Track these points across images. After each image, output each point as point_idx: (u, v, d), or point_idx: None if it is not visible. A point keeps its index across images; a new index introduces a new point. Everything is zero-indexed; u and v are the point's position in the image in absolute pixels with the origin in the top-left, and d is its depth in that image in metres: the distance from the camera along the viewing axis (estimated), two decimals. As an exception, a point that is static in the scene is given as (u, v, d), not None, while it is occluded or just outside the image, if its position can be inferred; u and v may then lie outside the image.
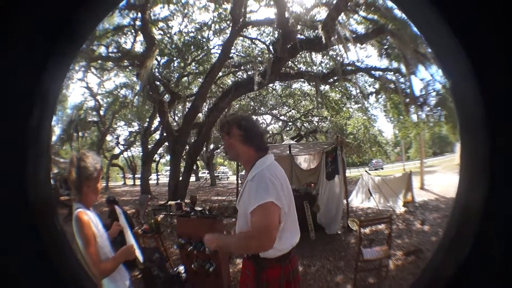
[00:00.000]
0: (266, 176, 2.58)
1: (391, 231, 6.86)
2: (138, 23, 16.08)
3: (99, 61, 20.25)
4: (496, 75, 1.02)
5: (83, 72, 22.75)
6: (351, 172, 25.81)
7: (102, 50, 18.86)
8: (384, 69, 16.20)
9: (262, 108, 27.44)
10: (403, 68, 14.66)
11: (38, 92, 1.06)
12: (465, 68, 1.07)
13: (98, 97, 29.87)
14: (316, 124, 30.91)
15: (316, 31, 12.82)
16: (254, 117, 22.39)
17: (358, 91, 19.79)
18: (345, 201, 11.29)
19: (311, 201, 10.05)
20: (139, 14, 15.33)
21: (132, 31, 17.40)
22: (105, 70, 23.02)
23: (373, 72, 16.79)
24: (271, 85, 19.84)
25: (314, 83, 18.21)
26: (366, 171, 17.73)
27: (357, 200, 16.19)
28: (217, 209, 6.79)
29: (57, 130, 32.69)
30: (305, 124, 31.98)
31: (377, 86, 18.44)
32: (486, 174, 1.06)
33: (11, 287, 1.02)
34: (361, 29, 14.28)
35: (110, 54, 18.53)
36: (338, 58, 15.73)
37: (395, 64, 15.21)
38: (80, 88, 42.97)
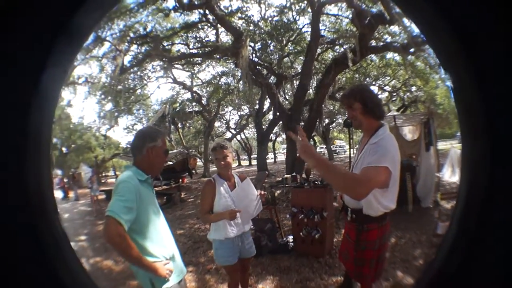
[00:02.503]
0: (390, 143, 2.94)
1: None
2: (211, 17, 16.19)
3: (183, 60, 20.85)
4: (498, 78, 1.00)
5: (164, 70, 23.74)
6: (446, 144, 24.76)
7: (181, 47, 19.49)
8: None
9: (367, 79, 26.81)
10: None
11: (37, 91, 1.04)
12: (467, 71, 1.06)
13: (195, 89, 30.36)
14: (415, 94, 30.01)
15: (378, 7, 12.76)
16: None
17: (433, 61, 19.08)
18: (437, 174, 11.11)
19: (412, 173, 10.03)
20: (207, 11, 15.54)
21: (207, 25, 17.64)
22: (194, 64, 23.59)
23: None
24: (368, 57, 19.32)
25: (395, 54, 18.14)
26: (451, 144, 17.39)
27: (447, 174, 15.78)
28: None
29: (141, 127, 33.60)
30: (407, 94, 31.05)
31: None
32: (487, 173, 1.06)
33: None
34: None
35: (193, 51, 19.02)
36: (407, 29, 15.38)
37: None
38: (166, 85, 44.09)
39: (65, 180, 28.61)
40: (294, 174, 9.22)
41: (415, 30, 14.16)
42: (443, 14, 1.05)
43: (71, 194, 25.65)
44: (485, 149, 1.05)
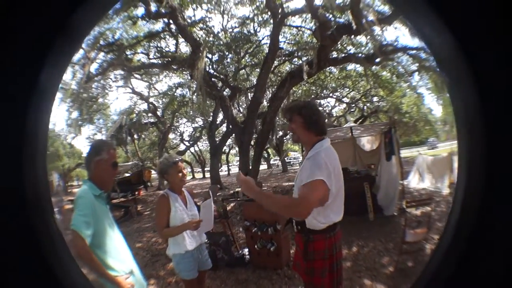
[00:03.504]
0: (322, 157, 2.95)
1: (431, 214, 7.05)
2: (173, 27, 16.08)
3: (142, 70, 20.80)
4: (494, 77, 1.01)
5: (124, 80, 23.48)
6: (412, 152, 25.14)
7: (142, 57, 19.44)
8: (416, 48, 15.63)
9: (324, 91, 27.28)
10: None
11: (35, 91, 1.05)
12: (463, 69, 1.06)
13: (151, 100, 30.32)
14: (377, 104, 30.42)
15: (346, 17, 12.74)
16: (316, 101, 21.89)
17: (402, 70, 19.35)
18: (401, 182, 11.19)
19: (371, 183, 10.22)
20: (171, 21, 15.37)
21: (169, 34, 17.60)
22: (152, 74, 23.60)
23: (409, 51, 16.19)
24: (327, 68, 19.49)
25: (358, 65, 18.37)
26: (418, 151, 17.74)
27: (414, 181, 16.10)
28: (280, 192, 7.30)
29: (100, 137, 33.93)
30: (367, 105, 31.52)
31: (417, 64, 17.81)
32: (484, 173, 1.07)
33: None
34: (387, 9, 13.62)
35: (152, 61, 19.02)
36: (377, 38, 15.23)
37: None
38: (124, 94, 43.61)
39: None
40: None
41: (387, 38, 14.28)
42: (442, 15, 1.05)
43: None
44: (482, 151, 1.07)
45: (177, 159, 4.26)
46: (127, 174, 20.75)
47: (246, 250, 7.44)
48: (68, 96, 24.90)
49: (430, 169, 14.92)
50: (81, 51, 16.74)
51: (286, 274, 6.44)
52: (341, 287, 3.48)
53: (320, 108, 3.45)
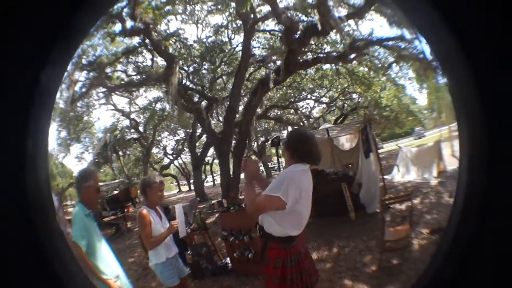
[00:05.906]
0: (287, 177, 3.29)
1: (412, 210, 6.90)
2: (148, 41, 15.89)
3: (121, 88, 20.80)
4: (493, 71, 1.02)
5: (105, 98, 23.75)
6: (397, 145, 24.99)
7: (121, 74, 19.57)
8: (393, 38, 15.37)
9: (303, 93, 27.37)
10: (406, 35, 14.01)
11: (35, 93, 1.06)
12: (462, 64, 1.07)
13: (133, 115, 30.12)
14: (357, 101, 30.20)
15: (313, 17, 12.73)
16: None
17: (379, 63, 19.43)
18: (382, 177, 11.23)
19: (349, 182, 10.13)
20: (145, 37, 15.32)
21: (146, 49, 17.46)
22: (132, 90, 23.36)
23: (385, 43, 15.81)
24: (302, 71, 19.66)
25: (333, 64, 18.35)
26: (397, 145, 17.83)
27: (398, 175, 16.02)
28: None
29: (88, 157, 33.73)
30: (346, 103, 31.30)
31: (395, 55, 17.47)
32: (484, 173, 1.07)
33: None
34: (358, 2, 13.53)
35: (130, 77, 19.24)
36: (350, 34, 15.51)
37: (404, 32, 14.16)
38: (108, 112, 43.12)
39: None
40: (220, 199, 9.85)
41: (361, 32, 14.20)
42: (442, 12, 1.07)
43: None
44: (483, 149, 1.08)
45: (157, 180, 4.62)
46: (115, 192, 20.78)
47: (228, 259, 7.66)
48: (57, 115, 24.85)
49: (415, 160, 14.99)
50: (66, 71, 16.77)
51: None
52: None
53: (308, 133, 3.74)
